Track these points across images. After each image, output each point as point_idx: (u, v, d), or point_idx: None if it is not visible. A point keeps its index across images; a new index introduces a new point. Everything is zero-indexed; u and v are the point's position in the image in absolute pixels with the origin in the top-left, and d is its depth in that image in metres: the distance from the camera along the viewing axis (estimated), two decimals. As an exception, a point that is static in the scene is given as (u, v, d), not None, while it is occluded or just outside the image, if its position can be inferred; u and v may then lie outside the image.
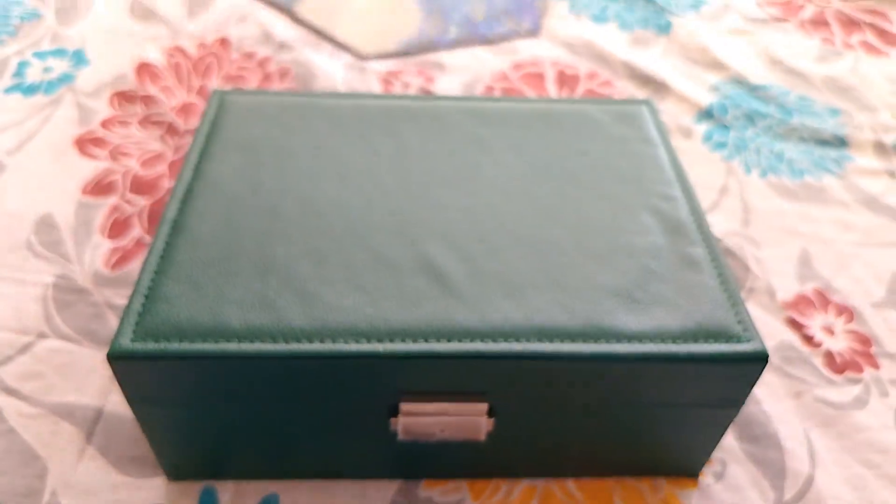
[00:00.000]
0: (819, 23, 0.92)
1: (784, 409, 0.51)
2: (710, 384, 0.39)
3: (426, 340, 0.37)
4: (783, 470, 0.47)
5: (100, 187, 0.64)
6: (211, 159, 0.47)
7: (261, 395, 0.39)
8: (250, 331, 0.37)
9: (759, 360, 0.38)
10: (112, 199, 0.63)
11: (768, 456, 0.48)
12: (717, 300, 0.40)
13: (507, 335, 0.38)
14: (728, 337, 0.38)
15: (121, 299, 0.54)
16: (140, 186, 0.64)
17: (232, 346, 0.37)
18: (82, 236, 0.59)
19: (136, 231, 0.60)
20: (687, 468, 0.46)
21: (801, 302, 0.58)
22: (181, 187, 0.45)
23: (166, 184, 0.64)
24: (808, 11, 0.94)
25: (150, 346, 0.36)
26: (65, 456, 0.46)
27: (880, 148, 0.73)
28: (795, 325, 0.56)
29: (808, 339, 0.55)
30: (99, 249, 0.58)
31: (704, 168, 0.69)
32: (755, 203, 0.66)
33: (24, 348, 0.51)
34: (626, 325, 0.38)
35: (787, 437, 0.49)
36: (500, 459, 0.45)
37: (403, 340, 0.37)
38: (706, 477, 0.47)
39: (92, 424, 0.47)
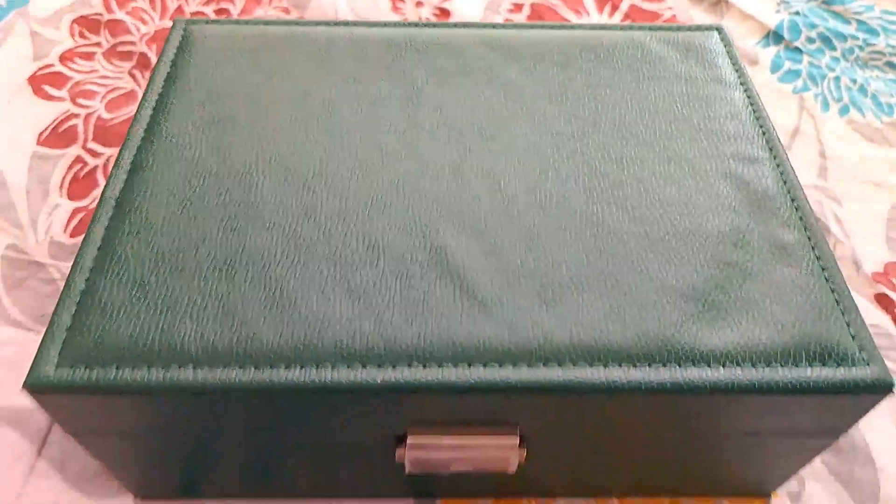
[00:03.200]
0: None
1: (876, 413, 0.42)
2: (809, 415, 0.30)
3: (439, 366, 0.28)
4: (876, 492, 0.39)
5: (58, 136, 0.54)
6: (169, 113, 0.37)
7: (230, 428, 0.31)
8: (211, 353, 0.28)
9: (881, 390, 0.29)
10: (72, 150, 0.53)
11: (856, 473, 0.40)
12: (822, 305, 0.31)
13: (545, 358, 0.29)
14: (839, 357, 0.29)
15: (80, 276, 0.46)
16: (105, 133, 0.54)
17: (186, 375, 0.28)
18: (37, 197, 0.50)
19: (101, 188, 0.51)
20: (758, 489, 0.38)
21: (894, 273, 0.48)
22: (128, 151, 0.35)
23: (135, 130, 0.55)
24: None
25: (80, 374, 0.28)
26: (11, 473, 0.38)
27: (984, 76, 0.61)
28: (887, 304, 0.47)
29: (904, 321, 0.46)
30: (57, 212, 0.50)
31: (772, 105, 0.58)
32: (834, 148, 0.55)
33: (-34, 339, 0.43)
34: (703, 341, 0.29)
35: (880, 448, 0.40)
36: (533, 480, 0.37)
37: (410, 365, 0.28)
38: (780, 497, 0.39)
39: (45, 433, 0.40)
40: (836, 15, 0.66)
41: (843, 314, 0.30)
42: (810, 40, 0.63)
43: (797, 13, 0.66)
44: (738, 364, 0.29)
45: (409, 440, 0.31)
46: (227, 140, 0.36)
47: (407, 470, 0.32)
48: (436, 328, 0.29)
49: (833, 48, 0.63)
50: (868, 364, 0.29)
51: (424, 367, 0.28)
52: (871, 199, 0.52)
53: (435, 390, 0.28)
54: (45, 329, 0.43)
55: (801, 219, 0.34)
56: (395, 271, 0.31)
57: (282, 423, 0.31)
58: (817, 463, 0.40)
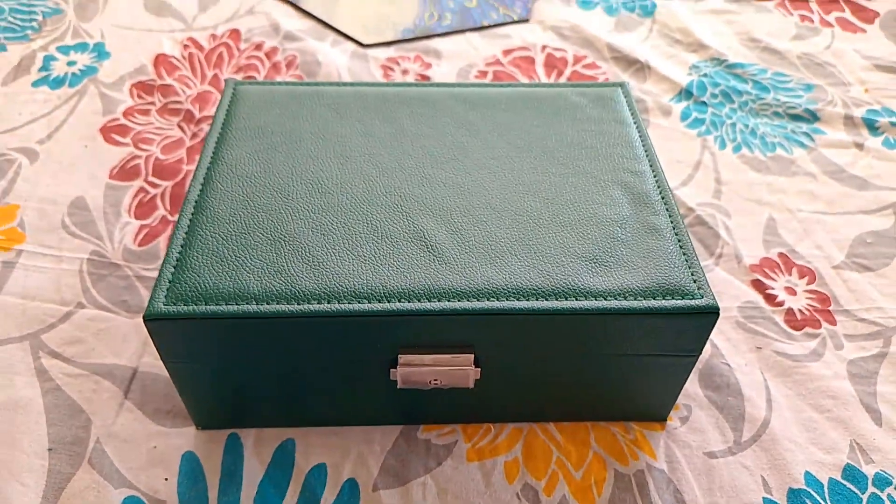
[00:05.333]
0: (798, 0, 0.96)
1: (746, 361, 0.56)
2: (668, 335, 0.45)
3: (419, 301, 0.43)
4: (742, 414, 0.53)
5: (125, 172, 0.69)
6: (227, 145, 0.53)
7: (277, 350, 0.45)
8: (266, 294, 0.43)
9: (711, 314, 0.43)
10: (137, 183, 0.69)
11: (729, 402, 0.54)
12: (675, 262, 0.46)
13: (489, 295, 0.43)
14: (683, 294, 0.44)
15: (149, 272, 0.61)
16: (161, 170, 0.70)
17: (251, 308, 0.42)
18: (111, 216, 0.65)
19: (160, 211, 0.66)
20: (655, 413, 0.52)
21: (766, 265, 0.63)
22: (201, 171, 0.51)
23: (185, 167, 0.70)
24: (789, -9, 0.98)
25: (181, 308, 0.42)
26: (106, 409, 0.52)
27: (850, 121, 0.78)
28: (760, 287, 0.62)
29: (771, 299, 0.61)
30: (127, 228, 0.64)
31: (681, 144, 0.75)
32: (727, 176, 0.71)
33: (65, 317, 0.57)
34: (593, 284, 0.44)
35: (747, 385, 0.55)
36: (489, 406, 0.51)
37: (400, 301, 0.43)
38: (673, 421, 0.53)
39: (128, 383, 0.53)
40: (737, 76, 0.83)
41: (688, 268, 0.45)
42: (714, 96, 0.80)
43: (705, 75, 0.83)
44: (615, 298, 0.44)
45: (400, 360, 0.45)
46: (269, 162, 0.51)
47: (399, 385, 0.47)
48: (416, 278, 0.44)
49: (732, 101, 0.79)
50: (702, 297, 0.44)
51: (409, 301, 0.43)
52: (752, 213, 0.68)
53: (416, 316, 0.43)
54: (123, 311, 0.57)
55: (667, 210, 0.49)
56: (389, 244, 0.46)
57: (310, 346, 0.45)
58: (701, 397, 0.54)
